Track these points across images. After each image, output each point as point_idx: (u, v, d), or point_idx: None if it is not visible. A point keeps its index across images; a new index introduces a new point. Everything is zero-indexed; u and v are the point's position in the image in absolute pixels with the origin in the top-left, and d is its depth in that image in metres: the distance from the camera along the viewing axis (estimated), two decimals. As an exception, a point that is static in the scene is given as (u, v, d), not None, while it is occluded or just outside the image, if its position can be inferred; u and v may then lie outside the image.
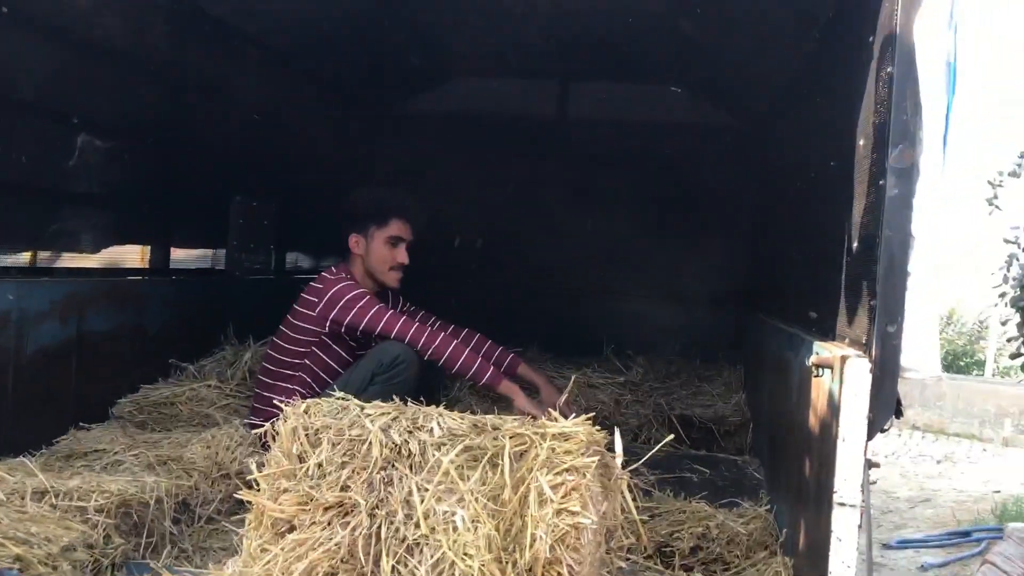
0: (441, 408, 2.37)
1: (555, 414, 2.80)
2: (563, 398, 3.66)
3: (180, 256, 4.44)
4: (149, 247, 4.20)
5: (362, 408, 2.24)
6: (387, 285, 3.80)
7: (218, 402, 3.86)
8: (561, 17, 5.31)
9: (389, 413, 2.23)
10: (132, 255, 4.09)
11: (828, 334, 3.00)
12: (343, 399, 2.29)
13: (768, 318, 4.53)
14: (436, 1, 5.13)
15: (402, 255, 3.77)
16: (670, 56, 5.92)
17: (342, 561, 2.06)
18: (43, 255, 3.55)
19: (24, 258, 3.42)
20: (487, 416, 2.37)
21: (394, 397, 3.32)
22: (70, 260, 3.68)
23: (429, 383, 3.78)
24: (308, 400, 2.27)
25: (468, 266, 6.73)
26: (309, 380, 3.60)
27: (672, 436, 3.83)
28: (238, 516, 2.68)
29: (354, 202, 3.81)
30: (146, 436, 3.47)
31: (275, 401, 3.48)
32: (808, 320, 3.57)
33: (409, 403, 3.35)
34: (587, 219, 6.63)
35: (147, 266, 4.17)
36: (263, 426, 3.52)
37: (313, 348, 3.61)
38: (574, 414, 3.73)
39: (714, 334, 6.35)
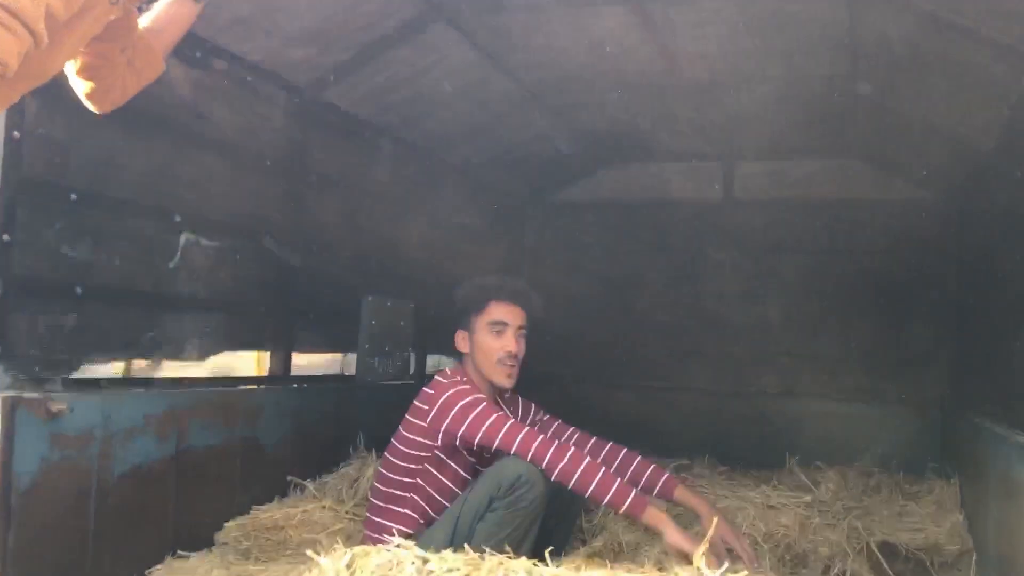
0: (541, 562, 1.78)
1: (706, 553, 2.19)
2: (726, 530, 2.99)
3: (303, 363, 4.10)
4: (268, 353, 3.87)
5: (424, 561, 1.69)
6: (497, 383, 3.19)
7: (332, 525, 3.41)
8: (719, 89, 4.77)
9: (459, 570, 1.67)
10: (247, 362, 3.77)
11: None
12: (399, 546, 1.74)
13: (988, 423, 3.68)
14: (585, 88, 4.73)
15: (509, 342, 3.15)
16: (847, 124, 5.26)
17: None
18: (140, 364, 3.25)
19: (117, 368, 3.12)
20: (616, 570, 1.77)
21: (516, 526, 2.86)
22: (170, 369, 3.38)
23: (565, 509, 3.20)
24: (356, 549, 1.74)
25: (625, 368, 6.14)
26: (423, 503, 3.08)
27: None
28: None
29: (456, 296, 3.34)
30: (244, 567, 3.05)
31: (384, 528, 3.05)
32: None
33: (527, 536, 2.86)
34: (764, 310, 5.93)
35: (264, 373, 3.83)
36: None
37: (426, 465, 3.09)
38: (743, 549, 3.13)
39: (917, 441, 5.43)
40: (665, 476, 3.20)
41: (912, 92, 4.21)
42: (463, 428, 2.95)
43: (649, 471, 3.22)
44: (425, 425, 3.04)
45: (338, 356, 4.42)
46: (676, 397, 6.05)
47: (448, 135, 4.95)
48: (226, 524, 3.40)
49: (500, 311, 3.19)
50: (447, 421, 2.98)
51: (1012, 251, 4.01)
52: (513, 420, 2.97)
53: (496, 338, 3.16)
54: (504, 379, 3.17)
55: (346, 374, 4.41)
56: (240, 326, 3.71)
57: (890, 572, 3.71)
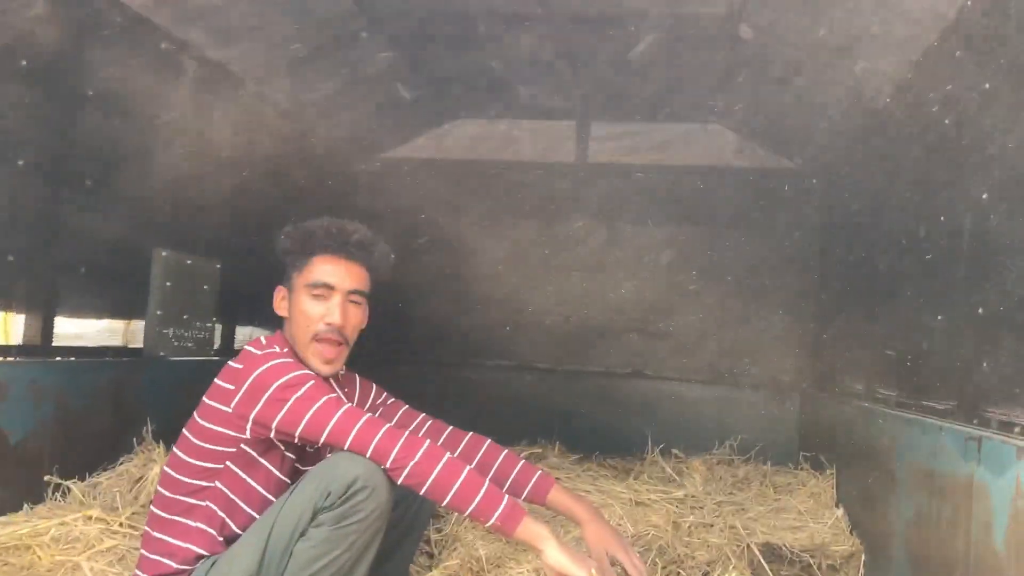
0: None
1: None
2: (614, 543, 2.40)
3: (72, 331, 3.21)
4: (20, 315, 2.97)
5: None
6: (310, 366, 2.34)
7: (98, 544, 2.58)
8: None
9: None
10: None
11: None
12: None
13: (884, 407, 3.29)
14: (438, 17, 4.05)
15: (332, 312, 2.33)
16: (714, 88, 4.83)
17: None
18: None
19: None
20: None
21: (350, 545, 2.15)
22: None
23: (412, 519, 2.51)
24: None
25: (461, 342, 5.50)
26: (222, 513, 2.27)
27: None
28: None
29: (277, 244, 2.46)
30: (-37, 610, 2.19)
31: (167, 548, 2.27)
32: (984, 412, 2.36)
33: (363, 559, 2.16)
34: (615, 283, 5.45)
35: (13, 342, 2.93)
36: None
37: (228, 463, 2.26)
38: (634, 565, 2.55)
39: (778, 427, 5.10)
40: (537, 475, 2.54)
41: (800, 36, 3.76)
42: (280, 415, 2.18)
43: (518, 468, 2.55)
44: (229, 411, 2.24)
45: (120, 324, 3.52)
46: (518, 376, 5.48)
47: (269, 63, 4.13)
48: (-50, 544, 2.51)
49: (325, 268, 2.36)
50: (259, 406, 2.20)
51: (886, 221, 3.67)
52: (348, 404, 2.23)
53: (316, 304, 2.36)
54: (319, 362, 2.35)
55: (131, 347, 3.52)
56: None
57: (774, 577, 3.26)
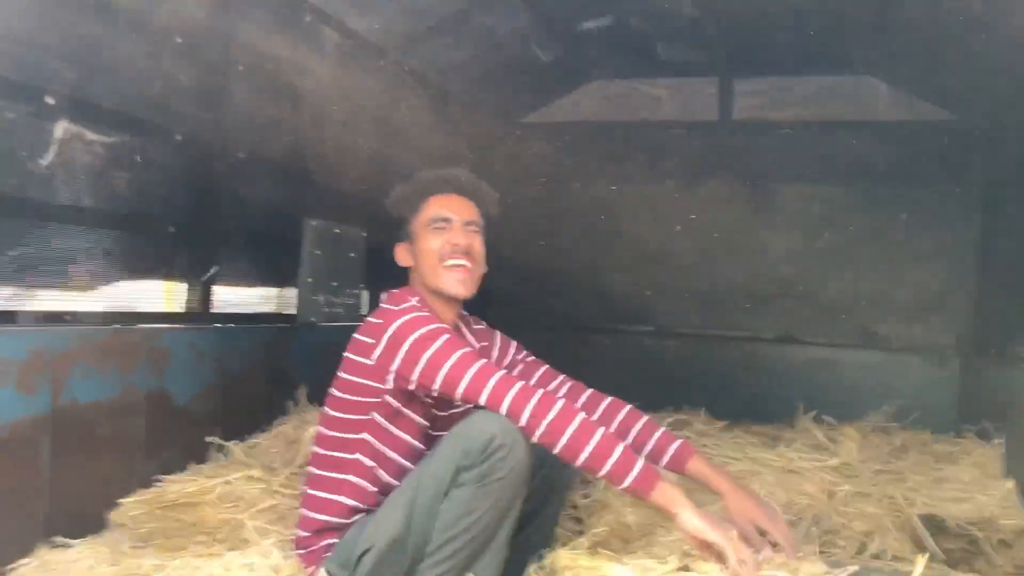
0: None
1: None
2: (757, 512, 2.32)
3: (230, 298, 3.34)
4: (182, 284, 3.10)
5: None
6: (446, 291, 2.40)
7: (260, 502, 2.68)
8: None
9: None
10: (152, 297, 3.00)
11: None
12: None
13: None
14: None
15: (456, 234, 2.39)
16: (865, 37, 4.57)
17: None
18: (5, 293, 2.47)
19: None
20: None
21: (493, 504, 2.15)
22: (45, 302, 2.59)
23: (554, 480, 2.49)
24: None
25: (601, 307, 5.44)
26: (373, 465, 2.33)
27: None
28: None
29: (390, 204, 2.55)
30: (138, 559, 2.31)
31: (325, 505, 2.34)
32: None
33: (506, 518, 2.16)
34: (763, 244, 5.27)
35: (176, 310, 3.06)
36: (310, 557, 2.37)
37: (375, 415, 2.31)
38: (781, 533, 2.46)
39: (936, 393, 4.83)
40: (677, 443, 2.47)
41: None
42: (418, 369, 2.21)
43: (657, 435, 2.50)
44: (371, 363, 2.29)
45: (272, 292, 3.64)
46: (659, 342, 5.40)
47: (408, 30, 4.15)
48: (122, 501, 2.66)
49: (441, 204, 2.44)
50: (398, 359, 2.23)
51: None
52: (484, 360, 2.24)
53: (438, 235, 2.40)
54: (454, 284, 2.38)
55: (284, 313, 3.64)
56: (142, 249, 2.93)
57: (938, 551, 3.10)
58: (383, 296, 2.44)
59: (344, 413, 2.33)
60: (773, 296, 5.27)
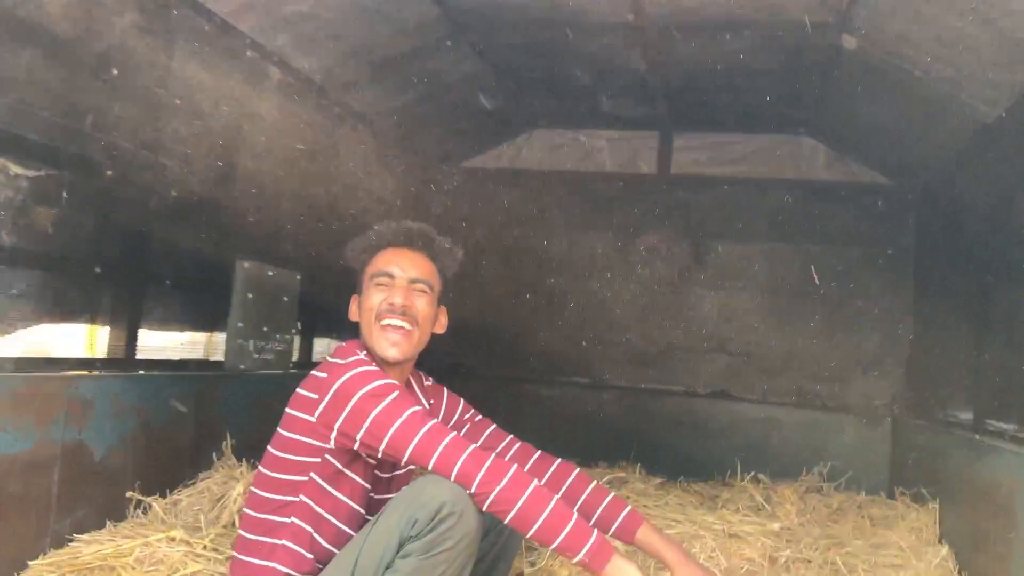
0: None
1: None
2: None
3: (153, 343, 3.16)
4: (104, 328, 2.92)
5: None
6: (378, 354, 2.25)
7: (182, 568, 2.50)
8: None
9: None
10: (73, 342, 2.81)
11: None
12: None
13: (1007, 442, 3.07)
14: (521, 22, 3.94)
15: (395, 292, 2.25)
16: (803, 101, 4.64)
17: None
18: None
19: None
20: None
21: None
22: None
23: (501, 548, 2.38)
24: None
25: (536, 358, 5.36)
26: (310, 529, 2.17)
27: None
28: None
29: (345, 252, 2.41)
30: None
31: (256, 573, 2.18)
32: None
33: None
34: (697, 300, 5.27)
35: (99, 356, 2.87)
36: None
37: (313, 476, 2.16)
38: None
39: (868, 455, 4.86)
40: (626, 511, 2.38)
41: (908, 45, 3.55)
42: (364, 427, 2.07)
43: (606, 502, 2.40)
44: (313, 420, 2.14)
45: (200, 337, 3.47)
46: (595, 395, 5.33)
47: (353, 69, 4.06)
48: (30, 563, 2.45)
49: (388, 259, 2.31)
50: (343, 416, 2.09)
51: (998, 238, 3.47)
52: (434, 420, 2.12)
53: (379, 291, 2.28)
54: (386, 345, 2.24)
55: (212, 359, 3.46)
56: (64, 291, 2.74)
57: (878, 620, 3.08)
58: (331, 354, 2.30)
59: (281, 473, 2.18)
60: (709, 352, 5.26)
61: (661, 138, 5.37)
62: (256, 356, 3.60)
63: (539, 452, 2.49)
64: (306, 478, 2.17)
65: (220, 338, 3.46)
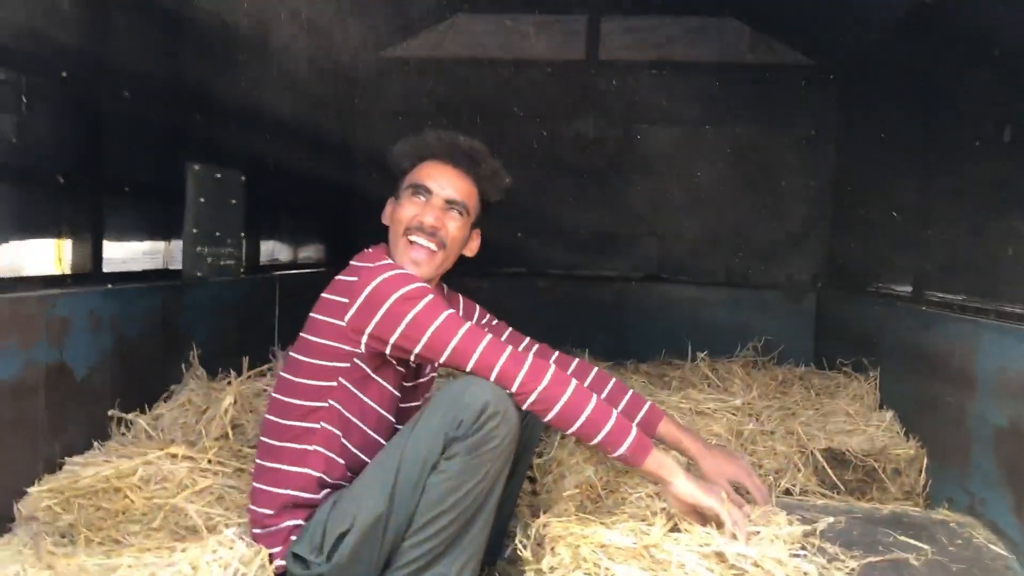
0: None
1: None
2: (740, 471, 2.37)
3: (116, 254, 3.00)
4: (69, 241, 2.74)
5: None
6: (403, 265, 2.21)
7: (193, 484, 2.44)
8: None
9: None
10: (40, 256, 2.64)
11: None
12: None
13: (954, 311, 3.27)
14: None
15: (428, 211, 2.20)
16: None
17: None
18: None
19: None
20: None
21: (485, 475, 2.06)
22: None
23: (525, 439, 2.42)
24: None
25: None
26: (339, 434, 2.16)
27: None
28: None
29: (390, 156, 2.34)
30: (75, 563, 2.04)
31: (286, 477, 2.16)
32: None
33: (495, 489, 2.08)
34: (626, 185, 5.34)
35: (66, 271, 2.71)
36: (272, 538, 2.18)
37: (340, 379, 2.14)
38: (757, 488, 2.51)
39: (794, 329, 5.11)
40: (647, 405, 2.46)
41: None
42: (399, 330, 2.05)
43: (627, 398, 2.46)
44: (343, 324, 2.10)
45: (157, 246, 3.31)
46: (531, 283, 5.39)
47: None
48: (29, 490, 2.35)
49: (429, 171, 2.25)
50: (376, 319, 2.06)
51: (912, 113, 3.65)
52: (469, 323, 2.11)
53: (412, 205, 2.23)
54: (407, 262, 2.21)
55: (170, 269, 3.31)
56: (30, 204, 2.55)
57: (840, 484, 3.30)
58: (355, 258, 2.24)
59: (308, 379, 2.15)
60: (640, 236, 5.36)
61: (589, 22, 5.30)
62: (211, 262, 3.47)
63: (558, 352, 2.52)
64: (335, 383, 2.14)
65: (176, 246, 3.31)
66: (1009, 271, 2.92)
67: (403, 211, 2.23)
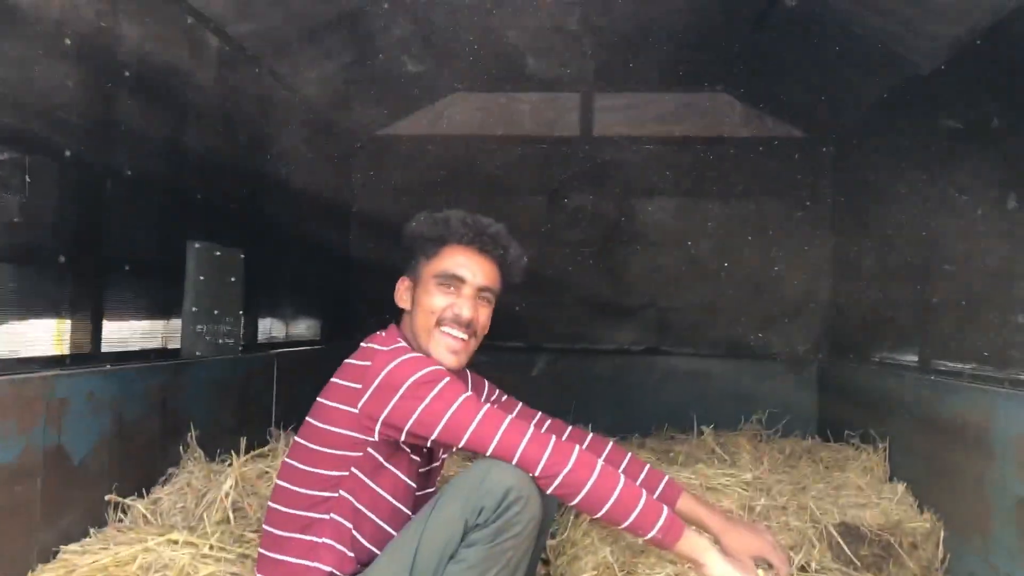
0: None
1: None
2: (766, 548, 2.29)
3: (116, 334, 2.94)
4: (68, 322, 2.68)
5: None
6: (435, 358, 2.14)
7: (195, 572, 2.35)
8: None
9: None
10: (40, 337, 2.58)
11: None
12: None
13: (965, 380, 3.23)
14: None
15: (462, 306, 2.15)
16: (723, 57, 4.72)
17: None
18: None
19: None
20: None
21: (507, 562, 1.98)
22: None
23: (543, 517, 2.35)
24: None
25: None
26: (350, 526, 2.08)
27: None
28: None
29: (407, 231, 2.28)
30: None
31: (293, 571, 2.07)
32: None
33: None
34: (625, 257, 5.34)
35: (66, 351, 2.65)
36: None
37: (354, 470, 2.07)
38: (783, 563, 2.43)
39: (797, 400, 5.05)
40: (665, 480, 2.39)
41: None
42: (415, 416, 1.98)
43: (644, 473, 2.40)
44: (355, 412, 2.04)
45: (156, 325, 3.25)
46: (530, 358, 5.34)
47: (282, 36, 3.85)
48: (24, 581, 2.26)
49: (458, 259, 2.18)
50: (391, 405, 2.00)
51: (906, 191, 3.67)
52: (488, 405, 2.05)
53: (444, 295, 2.17)
54: (444, 353, 2.15)
55: (169, 349, 3.25)
56: (30, 284, 2.50)
57: (855, 560, 3.21)
58: (368, 340, 2.18)
59: (319, 468, 2.07)
60: (639, 309, 5.34)
61: (582, 99, 5.36)
62: (209, 340, 3.41)
63: (571, 426, 2.47)
64: (346, 472, 2.07)
65: (175, 324, 3.26)
66: (1020, 339, 2.90)
67: (433, 300, 2.17)
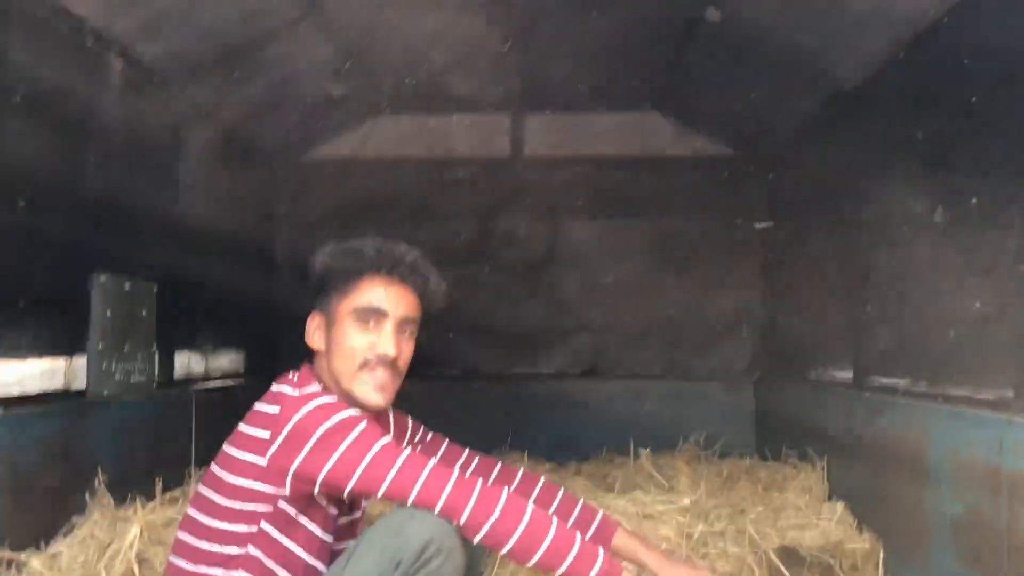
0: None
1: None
2: None
3: (6, 375, 2.75)
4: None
5: None
6: (359, 400, 2.01)
7: (91, 633, 2.18)
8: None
9: None
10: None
11: None
12: None
13: (904, 398, 3.18)
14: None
15: (384, 342, 2.00)
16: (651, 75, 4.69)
17: None
18: None
19: None
20: None
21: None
22: None
23: (471, 566, 2.22)
24: None
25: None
26: None
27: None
28: None
29: (314, 265, 2.11)
30: None
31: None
32: None
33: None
34: (557, 280, 5.26)
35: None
36: None
37: (262, 525, 1.91)
38: None
39: (734, 419, 5.00)
40: (599, 517, 2.27)
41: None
42: (328, 466, 1.84)
43: (578, 510, 2.28)
44: (264, 464, 1.89)
45: (55, 363, 3.05)
46: (463, 385, 5.22)
47: (195, 58, 3.70)
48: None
49: (376, 292, 2.03)
50: (301, 456, 1.86)
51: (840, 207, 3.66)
52: (407, 450, 1.92)
53: (364, 331, 2.03)
54: (371, 393, 2.01)
55: (73, 390, 3.06)
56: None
57: (796, 583, 3.14)
58: (278, 383, 2.03)
59: (226, 522, 1.91)
60: (574, 331, 5.26)
61: (513, 120, 5.28)
62: (119, 379, 3.23)
63: (500, 463, 2.33)
64: (255, 528, 1.91)
65: (80, 363, 3.07)
66: (953, 355, 2.86)
67: (352, 341, 2.01)
